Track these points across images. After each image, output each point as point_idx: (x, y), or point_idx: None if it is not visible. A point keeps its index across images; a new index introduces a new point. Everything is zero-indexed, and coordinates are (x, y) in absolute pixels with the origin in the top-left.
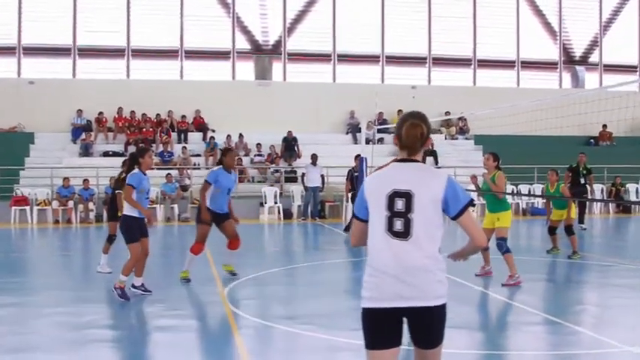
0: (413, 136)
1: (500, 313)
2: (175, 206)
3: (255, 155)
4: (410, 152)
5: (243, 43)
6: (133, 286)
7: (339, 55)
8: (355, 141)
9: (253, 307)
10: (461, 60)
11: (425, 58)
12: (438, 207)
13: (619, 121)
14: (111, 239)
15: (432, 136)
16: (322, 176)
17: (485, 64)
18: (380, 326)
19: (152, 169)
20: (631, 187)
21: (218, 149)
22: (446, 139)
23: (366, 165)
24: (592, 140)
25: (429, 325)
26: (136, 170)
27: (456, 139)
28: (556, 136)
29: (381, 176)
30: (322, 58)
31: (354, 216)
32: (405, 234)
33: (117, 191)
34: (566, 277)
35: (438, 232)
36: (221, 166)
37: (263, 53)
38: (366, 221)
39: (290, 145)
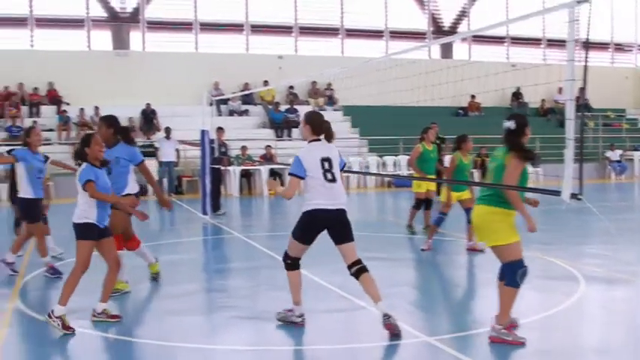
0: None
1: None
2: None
3: None
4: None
5: (98, 11)
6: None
7: (201, 24)
8: (219, 113)
9: (41, 298)
10: (328, 29)
11: (291, 28)
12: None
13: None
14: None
15: (298, 107)
16: (177, 150)
17: (353, 33)
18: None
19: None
20: None
21: (72, 123)
22: (313, 109)
23: (208, 138)
24: (461, 111)
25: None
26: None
27: (324, 109)
28: (425, 106)
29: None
30: (184, 26)
31: (292, 175)
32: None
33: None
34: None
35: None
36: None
37: (120, 21)
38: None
39: (149, 119)
